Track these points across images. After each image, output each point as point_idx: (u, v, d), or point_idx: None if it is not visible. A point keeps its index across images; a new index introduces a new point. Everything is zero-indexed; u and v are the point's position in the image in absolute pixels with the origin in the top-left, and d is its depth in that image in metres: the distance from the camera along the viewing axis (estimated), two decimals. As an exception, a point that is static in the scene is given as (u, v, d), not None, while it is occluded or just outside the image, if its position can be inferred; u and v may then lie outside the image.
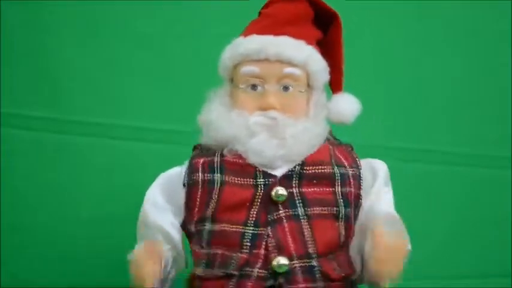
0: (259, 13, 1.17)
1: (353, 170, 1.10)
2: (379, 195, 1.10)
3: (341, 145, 1.15)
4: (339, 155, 1.11)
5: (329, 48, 1.16)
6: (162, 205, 1.11)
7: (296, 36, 1.11)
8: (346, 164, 1.10)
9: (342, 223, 1.07)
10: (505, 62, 1.71)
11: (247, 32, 1.13)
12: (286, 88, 1.09)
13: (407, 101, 1.63)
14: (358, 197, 1.09)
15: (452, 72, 1.67)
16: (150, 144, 1.45)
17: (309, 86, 1.12)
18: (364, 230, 1.05)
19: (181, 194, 1.10)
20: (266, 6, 1.17)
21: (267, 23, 1.13)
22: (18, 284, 1.34)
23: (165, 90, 1.46)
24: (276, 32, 1.11)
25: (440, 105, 1.66)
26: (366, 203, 1.09)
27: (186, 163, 1.12)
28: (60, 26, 1.41)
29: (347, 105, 1.14)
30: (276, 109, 1.08)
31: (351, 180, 1.09)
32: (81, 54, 1.41)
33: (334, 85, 1.17)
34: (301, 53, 1.10)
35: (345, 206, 1.07)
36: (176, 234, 1.10)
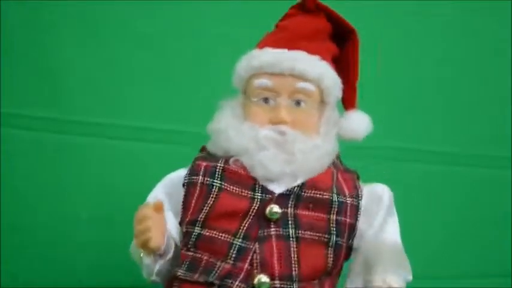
0: (276, 26, 1.16)
1: (352, 200, 1.08)
2: (383, 224, 1.09)
3: (346, 171, 1.13)
4: (341, 182, 1.10)
5: (344, 64, 1.15)
6: (164, 205, 1.09)
7: (311, 51, 1.10)
8: (346, 192, 1.09)
9: (331, 251, 1.06)
10: (504, 62, 1.71)
11: (262, 44, 1.13)
12: (298, 103, 1.09)
13: (407, 101, 1.63)
14: (352, 227, 1.08)
15: (452, 72, 1.67)
16: (150, 144, 1.45)
17: (322, 102, 1.11)
18: (368, 260, 1.05)
19: (181, 195, 1.10)
20: (283, 18, 1.16)
21: (283, 36, 1.12)
22: (18, 284, 1.34)
23: (165, 90, 1.46)
24: (291, 46, 1.10)
25: (440, 105, 1.66)
26: (369, 232, 1.08)
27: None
28: (60, 26, 1.41)
29: (360, 123, 1.14)
30: (287, 123, 1.07)
31: (348, 210, 1.07)
32: (81, 54, 1.41)
33: (347, 102, 1.16)
34: (315, 69, 1.09)
35: (336, 235, 1.06)
36: (176, 234, 1.10)
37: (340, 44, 1.16)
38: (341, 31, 1.15)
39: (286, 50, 1.10)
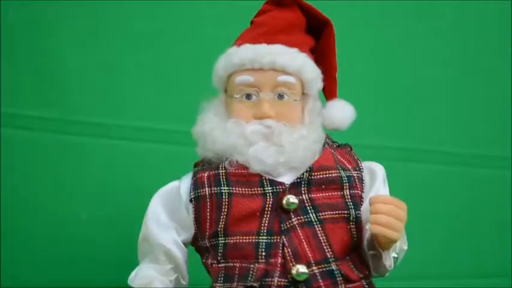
0: (252, 22, 1.17)
1: (357, 173, 1.10)
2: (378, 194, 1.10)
3: (340, 147, 1.15)
4: (342, 159, 1.11)
5: (322, 55, 1.16)
6: (164, 222, 1.10)
7: (289, 44, 1.11)
8: (350, 167, 1.10)
9: (353, 225, 1.07)
10: (505, 62, 1.71)
11: (240, 41, 1.13)
12: (281, 96, 1.09)
13: (407, 101, 1.64)
14: (361, 198, 1.09)
15: (452, 72, 1.67)
16: (150, 144, 1.45)
17: (304, 93, 1.12)
18: (364, 227, 1.06)
19: (183, 210, 1.09)
20: (258, 14, 1.17)
21: (260, 32, 1.13)
22: (18, 284, 1.34)
23: (165, 90, 1.46)
24: (270, 41, 1.10)
25: (440, 105, 1.66)
26: (365, 203, 1.09)
27: (184, 178, 1.12)
28: (60, 26, 1.41)
29: (340, 112, 1.14)
30: (272, 117, 1.08)
31: (357, 183, 1.09)
32: (81, 54, 1.41)
33: (328, 92, 1.17)
34: (295, 61, 1.10)
35: (354, 208, 1.07)
36: (178, 253, 1.09)
37: (317, 36, 1.17)
38: (316, 23, 1.16)
39: (265, 45, 1.10)
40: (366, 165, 1.13)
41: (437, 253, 1.62)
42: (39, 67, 1.39)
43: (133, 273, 1.10)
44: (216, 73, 1.14)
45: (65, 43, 1.41)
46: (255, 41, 1.11)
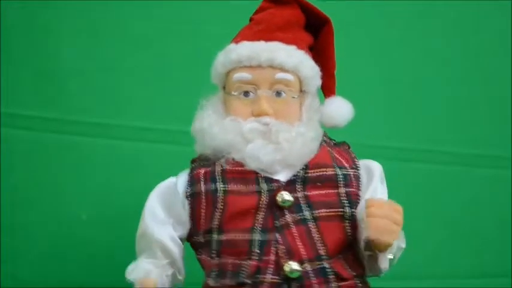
0: (250, 19, 1.17)
1: (354, 171, 1.10)
2: (375, 194, 1.10)
3: (338, 145, 1.15)
4: (339, 157, 1.11)
5: (321, 52, 1.16)
6: (161, 218, 1.10)
7: (287, 41, 1.11)
8: (346, 165, 1.10)
9: (348, 223, 1.07)
10: (505, 62, 1.71)
11: (238, 38, 1.13)
12: (278, 94, 1.10)
13: (407, 101, 1.64)
14: (357, 197, 1.09)
15: (452, 72, 1.67)
16: (150, 144, 1.45)
17: (302, 91, 1.12)
18: (360, 226, 1.05)
19: (180, 206, 1.10)
20: (257, 12, 1.17)
21: (259, 29, 1.13)
22: (18, 284, 1.34)
23: (165, 90, 1.46)
24: (268, 38, 1.11)
25: (441, 105, 1.66)
26: (362, 201, 1.09)
27: (181, 174, 1.12)
28: (60, 26, 1.41)
29: (339, 109, 1.14)
30: (269, 115, 1.08)
31: (353, 181, 1.09)
32: (81, 54, 1.41)
33: (326, 89, 1.17)
34: (293, 58, 1.10)
35: (349, 207, 1.07)
36: (175, 248, 1.10)
37: (315, 33, 1.17)
38: (315, 21, 1.16)
39: (263, 42, 1.10)
40: (363, 163, 1.12)
41: (437, 253, 1.62)
42: (39, 67, 1.39)
43: (130, 267, 1.10)
44: (214, 69, 1.14)
45: (65, 43, 1.41)
46: (253, 38, 1.11)
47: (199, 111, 1.13)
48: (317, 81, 1.14)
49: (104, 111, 1.43)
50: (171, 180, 1.13)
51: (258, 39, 1.11)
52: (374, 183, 1.10)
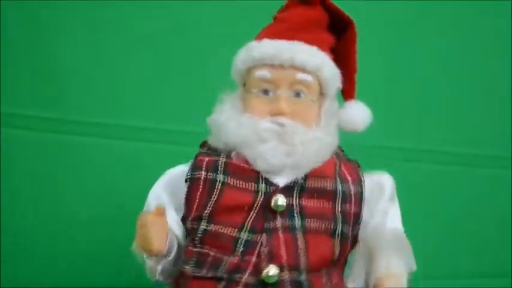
0: (274, 17, 1.16)
1: (356, 188, 1.09)
2: (385, 213, 1.09)
3: (348, 161, 1.14)
4: (344, 172, 1.10)
5: (342, 55, 1.15)
6: (165, 201, 1.09)
7: (310, 42, 1.10)
8: (350, 180, 1.09)
9: (338, 240, 1.06)
10: (505, 62, 1.71)
11: (261, 36, 1.12)
12: (297, 94, 1.08)
13: (408, 101, 1.63)
14: (357, 215, 1.08)
15: (452, 72, 1.67)
16: (150, 144, 1.45)
17: (321, 94, 1.11)
18: (370, 249, 1.05)
19: (182, 192, 1.09)
20: (281, 10, 1.16)
21: (282, 28, 1.12)
22: (18, 284, 1.34)
23: (164, 90, 1.46)
24: (290, 37, 1.10)
25: (441, 105, 1.66)
26: (372, 221, 1.08)
27: (191, 161, 1.12)
28: (60, 26, 1.41)
29: (359, 114, 1.14)
30: (286, 115, 1.07)
31: (352, 198, 1.08)
32: (81, 54, 1.41)
33: (346, 93, 1.16)
34: (314, 59, 1.09)
35: (342, 223, 1.06)
36: (178, 230, 1.09)
37: (338, 35, 1.16)
38: (339, 22, 1.15)
39: (285, 41, 1.09)
40: (373, 178, 1.11)
41: (437, 253, 1.62)
42: (39, 67, 1.39)
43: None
44: (235, 66, 1.13)
45: (65, 43, 1.41)
46: (275, 36, 1.10)
47: (218, 104, 1.12)
48: (337, 84, 1.13)
49: (104, 111, 1.43)
50: (180, 168, 1.11)
51: (281, 38, 1.10)
52: (383, 202, 1.09)
